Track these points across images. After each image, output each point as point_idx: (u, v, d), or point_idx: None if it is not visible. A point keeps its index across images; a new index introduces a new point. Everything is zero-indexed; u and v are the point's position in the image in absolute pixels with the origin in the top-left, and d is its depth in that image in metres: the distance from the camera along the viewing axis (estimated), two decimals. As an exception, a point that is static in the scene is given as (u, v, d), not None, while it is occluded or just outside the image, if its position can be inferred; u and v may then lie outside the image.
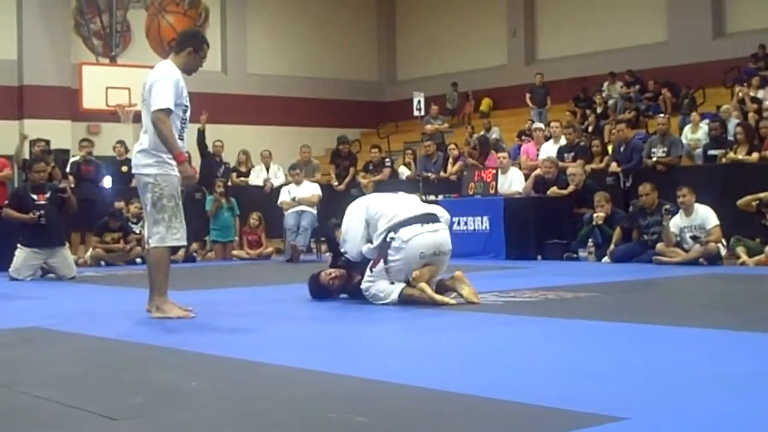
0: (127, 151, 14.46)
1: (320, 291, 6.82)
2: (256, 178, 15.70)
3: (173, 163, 5.90)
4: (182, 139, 6.01)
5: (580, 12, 22.09)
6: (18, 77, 20.44)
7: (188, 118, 6.11)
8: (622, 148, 12.56)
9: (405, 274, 6.28)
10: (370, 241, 6.41)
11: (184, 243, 6.36)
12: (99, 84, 17.02)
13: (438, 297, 6.20)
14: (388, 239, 6.22)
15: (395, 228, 6.21)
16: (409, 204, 6.55)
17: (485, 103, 22.93)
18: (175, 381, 3.77)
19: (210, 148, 15.25)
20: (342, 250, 6.72)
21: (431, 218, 6.36)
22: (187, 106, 6.06)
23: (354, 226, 6.52)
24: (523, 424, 2.90)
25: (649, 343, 4.55)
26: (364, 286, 6.39)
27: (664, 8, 20.82)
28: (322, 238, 7.20)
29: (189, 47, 6.10)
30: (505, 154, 13.70)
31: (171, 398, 3.41)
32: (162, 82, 5.89)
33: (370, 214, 6.42)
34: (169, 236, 5.95)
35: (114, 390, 3.56)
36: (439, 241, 6.29)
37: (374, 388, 3.46)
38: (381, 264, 6.28)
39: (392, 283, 6.29)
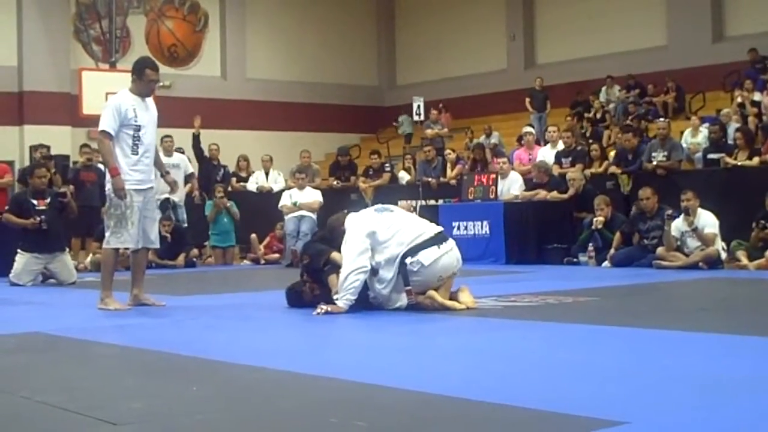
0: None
1: (301, 303, 6.66)
2: (254, 183, 15.62)
3: (125, 177, 6.75)
4: (136, 154, 6.82)
5: (579, 16, 22.07)
6: (18, 83, 20.45)
7: (143, 135, 6.84)
8: (630, 156, 12.49)
9: (420, 290, 6.26)
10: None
11: (129, 246, 6.99)
12: (99, 90, 17.01)
13: (448, 303, 6.20)
14: (407, 263, 6.13)
15: (413, 252, 6.14)
16: (415, 223, 6.43)
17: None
18: (176, 386, 3.77)
19: (206, 153, 15.26)
20: (342, 277, 6.20)
21: (443, 237, 6.35)
22: (139, 126, 6.81)
23: (355, 251, 6.17)
24: (523, 429, 2.90)
25: (650, 347, 4.55)
26: (371, 294, 6.34)
27: (664, 12, 20.83)
28: (305, 261, 6.97)
29: (133, 76, 6.97)
30: (505, 160, 13.67)
31: (172, 404, 3.41)
32: (105, 109, 6.88)
33: (378, 240, 6.19)
34: (113, 239, 6.85)
35: (115, 395, 3.56)
36: (454, 262, 6.33)
37: (374, 393, 3.46)
38: (392, 281, 6.20)
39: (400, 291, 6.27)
